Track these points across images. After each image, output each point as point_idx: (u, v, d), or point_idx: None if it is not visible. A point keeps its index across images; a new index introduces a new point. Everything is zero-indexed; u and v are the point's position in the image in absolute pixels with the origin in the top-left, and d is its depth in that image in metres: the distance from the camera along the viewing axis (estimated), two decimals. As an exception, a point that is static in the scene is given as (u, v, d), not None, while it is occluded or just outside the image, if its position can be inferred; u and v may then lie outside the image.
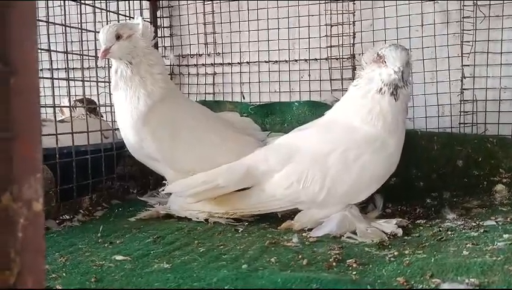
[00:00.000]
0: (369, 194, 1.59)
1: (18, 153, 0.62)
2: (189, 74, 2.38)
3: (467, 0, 1.92)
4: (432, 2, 1.98)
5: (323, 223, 1.54)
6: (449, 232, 1.46)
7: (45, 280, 0.63)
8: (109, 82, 1.91)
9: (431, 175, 1.91)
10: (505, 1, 1.88)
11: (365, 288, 1.01)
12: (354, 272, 1.17)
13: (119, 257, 1.29)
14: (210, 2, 2.30)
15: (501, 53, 1.91)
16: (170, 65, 2.39)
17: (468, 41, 1.95)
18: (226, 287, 1.05)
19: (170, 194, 1.87)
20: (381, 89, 1.53)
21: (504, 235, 1.33)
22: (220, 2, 2.28)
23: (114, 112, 1.91)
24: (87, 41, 2.07)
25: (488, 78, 1.94)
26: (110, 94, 1.92)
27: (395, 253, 1.30)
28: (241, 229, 1.59)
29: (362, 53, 2.06)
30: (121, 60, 1.75)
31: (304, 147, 1.61)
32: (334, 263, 1.23)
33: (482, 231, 1.44)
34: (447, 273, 1.11)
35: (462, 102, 1.97)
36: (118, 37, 1.71)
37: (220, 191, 1.63)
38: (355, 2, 2.06)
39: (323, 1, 2.10)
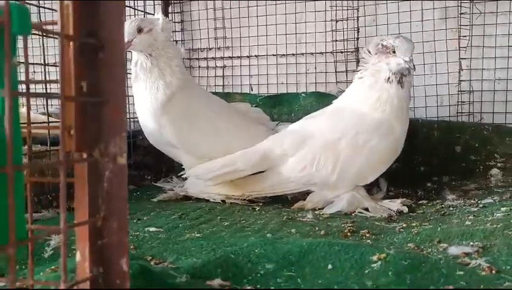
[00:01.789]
0: (377, 175, 1.71)
1: (106, 116, 0.73)
2: (199, 66, 2.48)
3: (464, -2, 2.05)
4: (431, 0, 2.10)
5: (335, 201, 1.66)
6: (451, 208, 1.59)
7: (128, 225, 0.74)
8: (128, 74, 2.02)
9: (431, 160, 2.03)
10: (499, 0, 2.01)
11: (382, 249, 1.14)
12: (369, 240, 1.29)
13: (152, 229, 1.39)
14: (220, -1, 2.40)
15: (495, 47, 2.02)
16: (181, 58, 2.47)
17: (465, 36, 2.06)
18: (256, 251, 1.16)
19: (184, 180, 1.99)
20: (389, 78, 1.64)
21: (502, 209, 1.46)
22: (230, -1, 2.39)
23: (130, 103, 2.00)
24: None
25: (483, 70, 2.05)
26: (127, 86, 2.01)
27: (404, 225, 1.42)
28: (258, 208, 1.71)
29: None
30: (142, 52, 1.85)
31: (316, 133, 1.72)
32: (349, 233, 1.35)
33: (481, 206, 1.57)
34: (453, 239, 1.23)
35: (460, 92, 2.08)
36: (140, 30, 1.81)
37: (239, 174, 1.74)
38: (359, -1, 2.18)
39: (329, -2, 2.21)
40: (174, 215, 1.59)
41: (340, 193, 1.67)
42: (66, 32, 0.69)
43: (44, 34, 1.64)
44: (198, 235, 1.33)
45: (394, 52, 1.62)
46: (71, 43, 0.69)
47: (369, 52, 1.69)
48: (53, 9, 1.86)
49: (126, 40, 1.79)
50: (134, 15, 2.28)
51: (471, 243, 1.17)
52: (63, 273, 0.66)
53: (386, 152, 1.68)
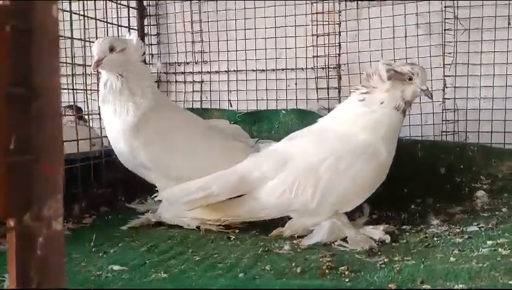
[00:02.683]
0: (360, 202, 1.63)
1: (39, 175, 0.64)
2: (176, 81, 2.40)
3: (448, 13, 1.98)
4: (414, 15, 2.04)
5: (314, 231, 1.57)
6: (435, 239, 1.51)
7: (66, 297, 0.65)
8: (96, 90, 1.93)
9: (415, 181, 1.96)
10: (484, 16, 1.95)
11: (360, 295, 1.06)
12: (347, 279, 1.21)
13: (116, 267, 1.30)
14: (198, 11, 2.32)
15: (480, 64, 1.97)
16: (157, 73, 2.40)
17: (450, 53, 2.01)
18: (226, 296, 1.08)
19: (160, 201, 1.90)
20: (398, 105, 1.58)
21: (488, 242, 1.39)
22: (208, 12, 2.31)
23: (101, 118, 1.92)
24: (76, 47, 2.06)
25: (468, 88, 2.00)
26: (97, 101, 1.93)
27: (385, 260, 1.34)
28: (233, 237, 1.62)
29: (348, 63, 2.14)
30: (112, 72, 1.77)
31: (296, 155, 1.63)
32: (327, 271, 1.27)
33: (466, 237, 1.49)
34: (437, 280, 1.16)
35: (444, 111, 2.03)
36: (111, 49, 1.73)
37: (214, 199, 1.65)
38: (341, 13, 2.10)
39: (310, 13, 2.14)
40: (143, 247, 1.50)
41: (320, 220, 1.59)
42: (-11, 82, 0.60)
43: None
44: (165, 275, 1.24)
45: (410, 79, 1.57)
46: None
47: (381, 77, 1.60)
48: None
49: (97, 58, 1.73)
50: (107, 28, 2.17)
51: (456, 286, 1.10)
52: None
53: (370, 178, 1.60)
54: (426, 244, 1.47)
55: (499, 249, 1.32)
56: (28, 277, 0.64)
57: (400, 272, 1.24)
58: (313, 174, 1.58)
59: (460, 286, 1.10)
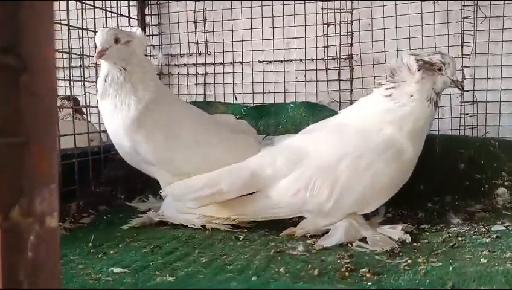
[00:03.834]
0: (380, 204, 1.54)
1: (29, 162, 0.54)
2: (178, 74, 2.31)
3: (467, 0, 1.90)
4: (431, 2, 1.97)
5: (330, 232, 1.48)
6: (460, 238, 1.42)
7: (61, 306, 0.54)
8: (95, 83, 1.85)
9: (432, 178, 1.87)
10: (505, 1, 1.86)
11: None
12: (370, 283, 1.12)
13: (116, 270, 1.20)
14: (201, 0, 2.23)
15: (501, 54, 1.90)
16: (159, 65, 2.31)
17: (469, 42, 1.94)
18: (239, 303, 0.98)
19: (162, 199, 1.81)
20: (430, 98, 1.50)
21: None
22: (212, 0, 2.22)
23: (100, 113, 1.82)
24: (73, 39, 1.97)
25: (488, 79, 1.93)
26: (95, 94, 1.83)
27: (409, 261, 1.25)
28: (242, 237, 1.52)
29: (360, 53, 2.05)
30: (115, 65, 1.70)
31: (313, 152, 1.55)
32: (346, 273, 1.17)
33: (494, 236, 1.40)
34: (469, 283, 1.06)
35: (463, 104, 1.95)
36: (116, 40, 1.66)
37: (223, 197, 1.56)
38: (353, 0, 2.02)
39: (320, 0, 2.06)
40: (145, 248, 1.40)
41: (335, 220, 1.49)
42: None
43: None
44: (171, 278, 1.13)
45: (440, 70, 1.49)
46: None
47: (409, 68, 1.51)
48: None
49: (100, 48, 1.65)
50: (106, 17, 2.08)
51: (492, 290, 1.00)
52: None
53: (393, 178, 1.51)
54: (451, 244, 1.37)
55: (533, 249, 1.23)
56: (16, 282, 0.54)
57: (427, 274, 1.14)
58: (331, 173, 1.49)
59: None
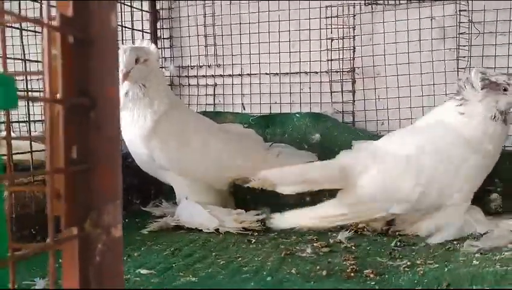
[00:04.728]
0: (464, 195, 1.62)
1: (98, 181, 0.65)
2: (189, 84, 2.40)
3: (463, 17, 2.00)
4: (429, 19, 2.04)
5: (444, 227, 1.58)
6: (454, 242, 1.53)
7: (123, 302, 0.66)
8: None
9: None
10: (498, 20, 1.96)
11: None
12: (373, 282, 1.23)
13: (143, 271, 1.31)
14: (211, 14, 2.33)
15: (494, 68, 1.97)
16: (170, 76, 2.40)
17: (464, 57, 2.01)
18: (257, 300, 1.09)
19: (175, 204, 1.93)
20: (495, 116, 1.58)
21: (509, 245, 1.41)
22: (221, 15, 2.31)
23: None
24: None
25: (482, 91, 2.01)
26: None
27: (408, 263, 1.36)
28: (254, 241, 1.63)
29: (362, 66, 2.15)
30: (136, 83, 1.79)
31: (395, 149, 1.67)
32: (352, 274, 1.29)
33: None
34: (463, 283, 1.18)
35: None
36: (136, 61, 1.75)
37: (311, 186, 1.70)
38: (356, 16, 2.12)
39: (324, 16, 2.15)
40: (165, 251, 1.52)
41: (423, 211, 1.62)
42: (54, 94, 0.61)
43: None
44: (194, 279, 1.25)
45: (505, 90, 1.57)
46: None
47: (473, 86, 1.61)
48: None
49: (125, 70, 1.73)
50: (122, 32, 2.19)
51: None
52: None
53: (473, 171, 1.61)
54: (447, 247, 1.48)
55: (522, 251, 1.34)
56: (87, 282, 0.65)
57: (424, 275, 1.26)
58: (416, 165, 1.61)
59: (487, 289, 1.12)
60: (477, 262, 1.32)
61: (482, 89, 1.59)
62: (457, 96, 1.65)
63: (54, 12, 0.62)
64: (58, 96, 0.62)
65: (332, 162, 1.74)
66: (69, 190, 0.63)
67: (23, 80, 1.72)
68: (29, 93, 1.74)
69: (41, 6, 1.74)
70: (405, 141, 1.69)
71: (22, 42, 1.73)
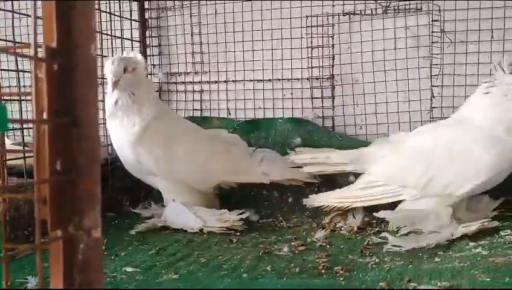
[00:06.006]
0: (473, 187, 1.64)
1: (81, 190, 0.75)
2: (177, 90, 2.48)
3: (435, 27, 2.09)
4: (403, 28, 2.14)
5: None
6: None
7: (102, 294, 0.76)
8: (101, 100, 2.03)
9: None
10: (468, 30, 2.06)
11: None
12: (342, 278, 1.33)
13: (129, 269, 1.41)
14: (197, 24, 2.42)
15: (465, 75, 2.07)
16: (159, 82, 2.49)
17: (437, 64, 2.10)
18: (232, 295, 1.19)
19: (163, 206, 2.01)
20: None
21: (470, 243, 1.51)
22: (207, 24, 2.40)
23: (105, 127, 2.01)
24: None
25: (454, 97, 2.09)
26: (101, 109, 2.02)
27: (377, 260, 1.46)
28: (235, 240, 1.73)
29: (341, 74, 2.25)
30: (125, 91, 1.87)
31: (410, 142, 1.79)
32: (323, 271, 1.39)
33: (450, 240, 1.60)
34: (423, 278, 1.27)
35: (432, 119, 2.12)
36: (125, 70, 1.83)
37: (335, 168, 1.91)
38: (334, 26, 2.21)
39: (305, 26, 2.24)
40: (151, 250, 1.61)
41: (430, 200, 1.69)
42: (41, 113, 0.71)
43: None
44: (175, 276, 1.35)
45: None
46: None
47: (503, 70, 1.65)
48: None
49: (114, 79, 1.82)
50: (112, 41, 2.28)
51: (439, 283, 1.21)
52: None
53: (484, 164, 1.62)
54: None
55: (480, 249, 1.44)
56: (72, 278, 0.75)
57: (390, 271, 1.35)
58: (425, 153, 1.70)
59: (444, 283, 1.22)
60: (439, 259, 1.42)
61: (510, 72, 1.63)
62: (486, 83, 1.69)
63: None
64: (45, 115, 0.71)
65: (354, 151, 1.90)
66: (54, 197, 0.72)
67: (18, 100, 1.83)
68: (23, 110, 1.84)
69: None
70: (425, 134, 1.79)
71: (18, 67, 1.84)
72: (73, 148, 0.75)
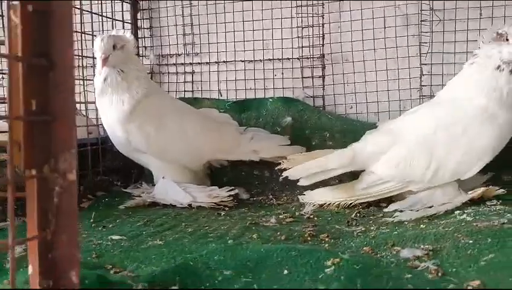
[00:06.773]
0: (480, 168, 1.61)
1: (55, 133, 0.75)
2: (168, 72, 2.48)
3: (424, 5, 2.10)
4: (393, 7, 2.14)
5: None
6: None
7: (78, 238, 0.76)
8: (92, 80, 2.03)
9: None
10: (457, 8, 2.07)
11: (337, 254, 1.18)
12: (326, 245, 1.33)
13: (115, 237, 1.41)
14: (188, 5, 2.42)
15: (454, 53, 2.08)
16: (150, 64, 2.50)
17: (426, 43, 2.11)
18: (215, 257, 1.19)
19: (154, 185, 2.02)
20: (499, 66, 1.57)
21: (455, 212, 1.51)
22: (198, 6, 2.40)
23: (97, 108, 2.02)
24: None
25: (443, 75, 2.10)
26: (92, 92, 2.02)
27: (363, 229, 1.47)
28: (223, 213, 1.74)
29: (331, 53, 2.25)
30: (114, 69, 1.87)
31: (408, 129, 1.70)
32: (309, 238, 1.40)
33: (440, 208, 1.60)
34: (406, 242, 1.28)
35: (421, 98, 2.13)
36: (114, 47, 1.84)
37: (330, 173, 1.77)
38: (324, 5, 2.22)
39: (295, 6, 2.24)
40: (139, 222, 1.61)
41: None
42: (15, 53, 0.71)
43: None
44: (161, 242, 1.35)
45: (507, 39, 1.55)
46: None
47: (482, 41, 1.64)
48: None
49: (103, 56, 1.82)
50: (102, 22, 2.28)
51: (422, 246, 1.22)
52: (12, 287, 0.68)
53: (488, 141, 1.58)
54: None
55: (465, 216, 1.44)
56: (47, 220, 0.75)
57: (375, 238, 1.36)
58: (427, 143, 1.62)
59: (427, 246, 1.22)
60: (424, 226, 1.43)
61: (489, 42, 1.60)
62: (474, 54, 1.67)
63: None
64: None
65: (347, 149, 1.79)
66: (29, 137, 0.73)
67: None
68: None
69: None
70: (417, 121, 1.71)
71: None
72: (49, 91, 0.75)
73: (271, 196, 2.03)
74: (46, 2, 0.75)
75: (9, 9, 0.72)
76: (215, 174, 2.15)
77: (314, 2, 2.22)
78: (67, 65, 0.76)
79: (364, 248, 1.27)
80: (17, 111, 0.71)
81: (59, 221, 0.76)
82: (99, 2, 2.31)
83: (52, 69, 0.75)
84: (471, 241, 1.21)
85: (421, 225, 1.44)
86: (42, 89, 0.75)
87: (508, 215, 1.39)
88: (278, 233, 1.44)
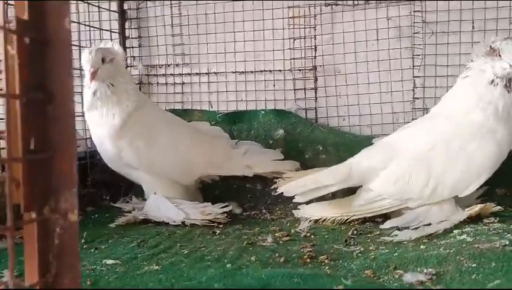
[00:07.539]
0: (479, 185, 1.60)
1: (55, 170, 0.71)
2: (158, 83, 2.43)
3: (417, 17, 2.09)
4: (385, 19, 2.13)
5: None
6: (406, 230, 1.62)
7: (80, 279, 0.72)
8: (79, 92, 1.98)
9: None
10: (450, 20, 2.06)
11: (340, 280, 1.15)
12: (327, 267, 1.31)
13: (109, 261, 1.37)
14: (178, 14, 2.38)
15: (447, 66, 2.07)
16: (139, 75, 2.45)
17: (419, 55, 2.11)
18: (216, 285, 1.16)
19: (144, 200, 1.97)
20: (493, 80, 1.56)
21: (454, 231, 1.50)
22: (188, 15, 2.36)
23: (85, 120, 1.96)
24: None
25: (436, 88, 2.09)
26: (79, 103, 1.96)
27: (361, 249, 1.45)
28: (218, 232, 1.70)
29: (323, 65, 2.23)
30: (103, 82, 1.83)
31: (405, 144, 1.67)
32: (308, 260, 1.37)
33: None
34: (408, 265, 1.26)
35: (414, 110, 2.12)
36: (103, 60, 1.79)
37: (326, 190, 1.71)
38: (316, 17, 2.19)
39: (287, 17, 2.21)
40: (132, 242, 1.57)
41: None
42: (12, 90, 0.67)
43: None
44: (157, 267, 1.31)
45: (500, 55, 1.55)
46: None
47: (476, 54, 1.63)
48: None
49: (92, 70, 1.77)
50: (89, 31, 2.23)
51: (425, 270, 1.20)
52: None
53: (487, 157, 1.56)
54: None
55: (465, 236, 1.43)
56: (47, 262, 0.71)
57: (375, 259, 1.34)
58: (425, 160, 1.60)
59: (430, 270, 1.20)
60: (424, 247, 1.41)
61: (483, 56, 1.59)
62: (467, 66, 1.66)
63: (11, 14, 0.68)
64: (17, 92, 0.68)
65: (343, 164, 1.75)
66: (28, 177, 0.69)
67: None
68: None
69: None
70: (414, 137, 1.69)
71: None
72: (48, 126, 0.71)
73: (264, 210, 2.00)
74: (44, 32, 0.71)
75: (6, 42, 0.68)
76: (207, 187, 2.11)
77: (306, 13, 2.19)
78: (67, 97, 0.72)
79: (365, 271, 1.25)
80: (16, 151, 0.67)
81: (61, 263, 0.72)
82: (85, 10, 2.26)
83: (51, 102, 0.71)
84: (474, 265, 1.19)
85: (421, 246, 1.42)
86: (41, 124, 0.71)
87: (508, 235, 1.38)
88: (276, 254, 1.41)
